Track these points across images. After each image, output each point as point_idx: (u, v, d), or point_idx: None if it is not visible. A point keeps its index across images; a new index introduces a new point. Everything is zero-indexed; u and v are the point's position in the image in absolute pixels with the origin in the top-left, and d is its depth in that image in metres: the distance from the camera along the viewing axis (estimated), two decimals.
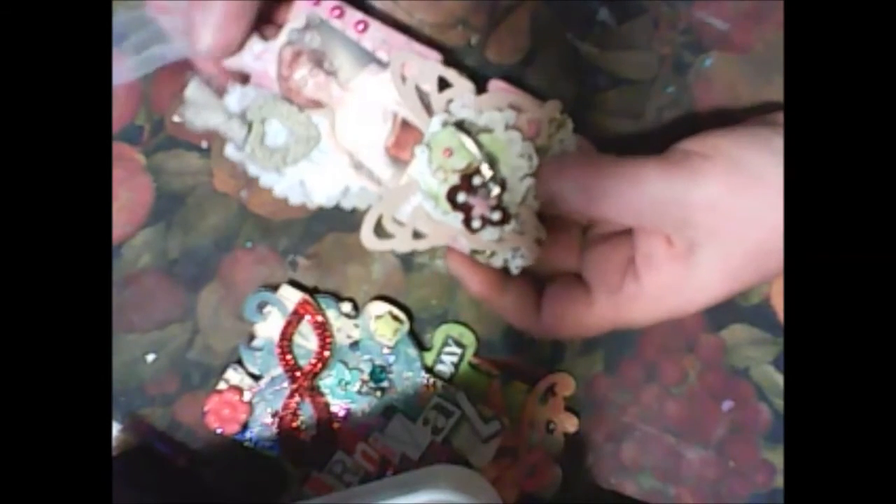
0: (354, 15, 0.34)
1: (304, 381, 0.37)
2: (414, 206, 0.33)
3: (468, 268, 0.34)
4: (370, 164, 0.34)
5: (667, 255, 0.31)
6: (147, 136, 0.38)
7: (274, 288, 0.37)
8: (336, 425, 0.37)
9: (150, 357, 0.38)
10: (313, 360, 0.37)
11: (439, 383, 0.37)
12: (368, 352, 0.37)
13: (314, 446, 0.37)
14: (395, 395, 0.37)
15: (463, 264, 0.34)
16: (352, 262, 0.38)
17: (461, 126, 0.33)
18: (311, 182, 0.34)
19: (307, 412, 0.37)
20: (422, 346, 0.37)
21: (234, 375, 0.37)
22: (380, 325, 0.37)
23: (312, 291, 0.37)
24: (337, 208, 0.35)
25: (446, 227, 0.33)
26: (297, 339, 0.37)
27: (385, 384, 0.37)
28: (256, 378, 0.37)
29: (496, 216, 0.32)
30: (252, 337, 0.37)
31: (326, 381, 0.37)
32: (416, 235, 0.34)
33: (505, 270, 0.34)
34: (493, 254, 0.33)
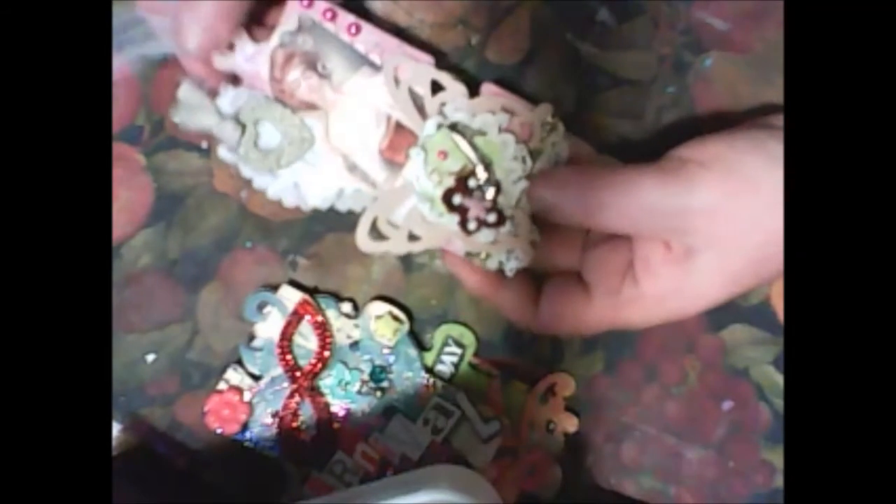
0: (347, 18, 0.34)
1: (304, 381, 0.37)
2: (409, 208, 0.33)
3: (465, 265, 0.34)
4: (364, 167, 0.34)
5: (665, 260, 0.31)
6: (147, 136, 0.38)
7: (274, 288, 0.37)
8: (336, 425, 0.37)
9: (150, 357, 0.38)
10: (313, 361, 0.37)
11: (439, 383, 0.37)
12: (368, 352, 0.37)
13: (314, 446, 0.37)
14: (395, 395, 0.37)
15: (459, 261, 0.34)
16: (352, 262, 0.38)
17: (455, 129, 0.33)
18: (305, 184, 0.34)
19: (307, 412, 0.37)
20: (422, 346, 0.37)
21: (234, 375, 0.37)
22: (380, 325, 0.37)
23: (312, 291, 0.37)
24: (333, 210, 0.35)
25: (441, 229, 0.33)
26: (297, 339, 0.37)
27: (385, 384, 0.37)
28: (256, 378, 0.37)
29: (492, 218, 0.33)
30: (252, 337, 0.37)
31: (326, 382, 0.37)
32: (412, 238, 0.34)
33: (500, 272, 0.34)
34: (488, 256, 0.33)
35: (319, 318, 0.37)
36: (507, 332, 0.38)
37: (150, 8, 0.34)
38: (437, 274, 0.38)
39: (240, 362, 0.37)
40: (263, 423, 0.37)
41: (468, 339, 0.37)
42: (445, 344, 0.37)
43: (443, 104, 0.33)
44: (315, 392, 0.37)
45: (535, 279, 0.34)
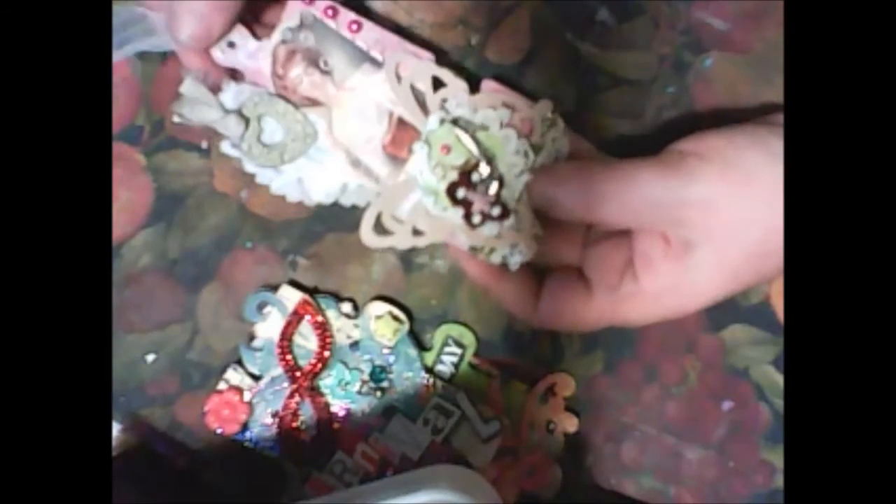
0: (348, 15, 0.34)
1: (304, 381, 0.37)
2: (413, 202, 0.33)
3: (469, 256, 0.34)
4: (367, 162, 0.34)
5: (664, 256, 0.31)
6: (147, 136, 0.38)
7: (274, 288, 0.37)
8: (336, 425, 0.37)
9: (150, 357, 0.38)
10: (313, 361, 0.37)
11: (439, 383, 0.37)
12: (368, 352, 0.37)
13: (314, 446, 0.37)
14: (395, 395, 0.37)
15: (463, 253, 0.34)
16: (352, 262, 0.38)
17: (458, 124, 0.33)
18: (308, 179, 0.34)
19: (307, 412, 0.37)
20: (422, 346, 0.37)
21: (234, 375, 0.37)
22: (380, 325, 0.37)
23: (312, 291, 0.37)
24: (336, 206, 0.35)
25: (445, 223, 0.33)
26: (297, 339, 0.37)
27: (385, 384, 0.37)
28: (256, 378, 0.37)
29: (496, 211, 0.33)
30: (252, 337, 0.37)
31: (326, 382, 0.37)
32: (416, 232, 0.34)
33: (503, 266, 0.34)
34: (491, 250, 0.33)
35: (319, 318, 0.37)
36: (507, 332, 0.38)
37: (151, 6, 0.34)
38: (437, 274, 0.38)
39: (240, 362, 0.37)
40: (263, 423, 0.37)
41: (468, 339, 0.37)
42: (445, 344, 0.37)
43: (444, 100, 0.33)
44: (315, 392, 0.37)
45: (537, 274, 0.34)
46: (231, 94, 0.33)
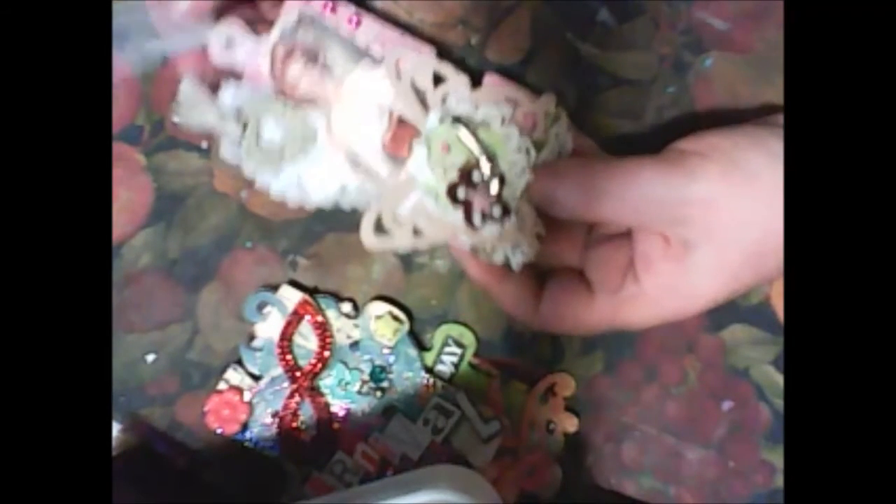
0: (347, 9, 0.34)
1: (304, 381, 0.37)
2: (413, 202, 0.33)
3: (470, 256, 0.34)
4: (367, 162, 0.34)
5: (664, 256, 0.31)
6: (147, 136, 0.38)
7: (274, 288, 0.37)
8: (336, 425, 0.37)
9: (150, 357, 0.38)
10: (313, 361, 0.37)
11: (439, 383, 0.37)
12: (368, 352, 0.37)
13: (314, 446, 0.37)
14: (395, 395, 0.37)
15: (465, 253, 0.34)
16: (352, 262, 0.38)
17: (458, 121, 0.33)
18: (308, 180, 0.34)
19: (307, 412, 0.37)
20: (422, 346, 0.37)
21: (234, 375, 0.37)
22: (380, 325, 0.37)
23: (312, 291, 0.37)
24: (337, 209, 0.35)
25: (446, 223, 0.33)
26: (297, 339, 0.37)
27: (385, 384, 0.37)
28: (256, 378, 0.37)
29: (497, 211, 0.32)
30: (252, 337, 0.37)
31: (326, 381, 0.37)
32: (417, 233, 0.33)
33: (505, 267, 0.34)
34: (493, 250, 0.33)
35: (319, 318, 0.37)
36: (507, 332, 0.38)
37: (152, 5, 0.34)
38: (437, 274, 0.38)
39: (240, 362, 0.37)
40: (263, 423, 0.37)
41: (468, 339, 0.37)
42: (445, 344, 0.37)
43: (445, 96, 0.33)
44: (315, 392, 0.37)
45: (538, 276, 0.34)
46: (230, 95, 0.33)
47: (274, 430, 0.37)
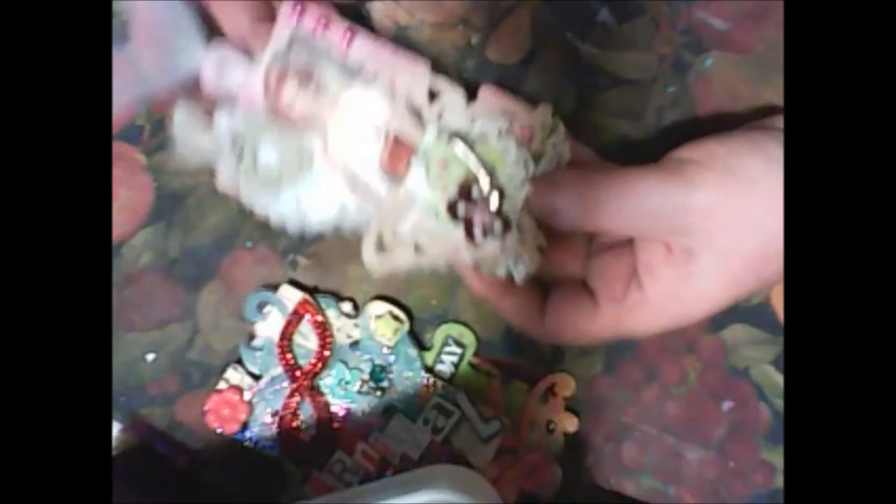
0: (341, 26, 0.33)
1: (304, 380, 0.37)
2: (414, 220, 0.33)
3: (472, 271, 0.34)
4: (365, 181, 0.33)
5: (666, 263, 0.31)
6: (147, 136, 0.38)
7: (274, 288, 0.37)
8: (336, 425, 0.37)
9: (150, 357, 0.38)
10: (313, 360, 0.37)
11: (439, 383, 0.37)
12: (368, 351, 0.37)
13: (314, 446, 0.37)
14: (395, 395, 0.37)
15: (466, 268, 0.34)
16: (352, 261, 0.38)
17: (455, 137, 0.33)
18: (307, 203, 0.34)
19: (307, 412, 0.37)
20: (422, 346, 0.37)
21: (234, 375, 0.37)
22: (380, 324, 0.37)
23: (312, 291, 0.37)
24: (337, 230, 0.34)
25: (448, 240, 0.33)
26: (297, 338, 0.37)
27: (385, 384, 0.37)
28: (256, 378, 0.37)
29: (497, 225, 0.32)
30: (252, 337, 0.37)
31: (326, 381, 0.37)
32: (418, 251, 0.33)
33: (506, 280, 0.34)
34: (496, 264, 0.33)
35: (319, 318, 0.37)
36: (507, 332, 0.38)
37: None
38: (437, 274, 0.38)
39: (240, 362, 0.37)
40: (263, 422, 0.37)
41: (468, 338, 0.37)
42: (445, 344, 0.37)
43: (441, 111, 0.33)
44: (315, 392, 0.37)
45: (541, 288, 0.34)
46: (224, 122, 0.33)
47: (274, 429, 0.37)
